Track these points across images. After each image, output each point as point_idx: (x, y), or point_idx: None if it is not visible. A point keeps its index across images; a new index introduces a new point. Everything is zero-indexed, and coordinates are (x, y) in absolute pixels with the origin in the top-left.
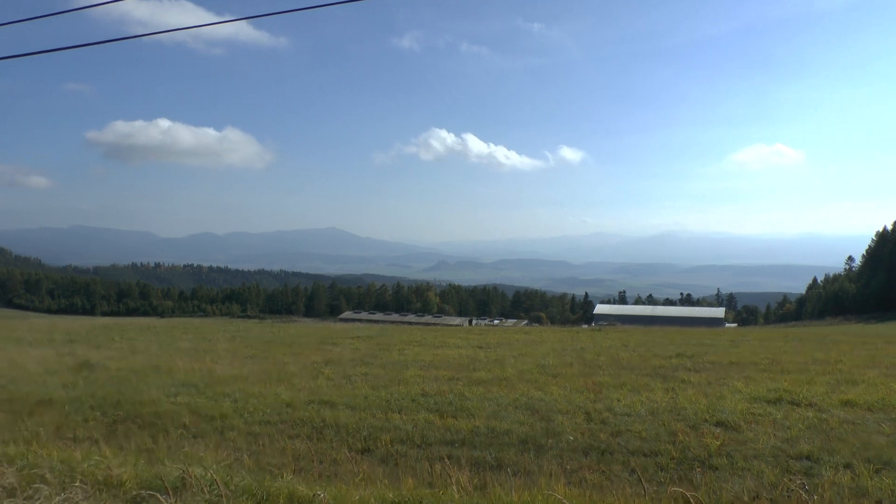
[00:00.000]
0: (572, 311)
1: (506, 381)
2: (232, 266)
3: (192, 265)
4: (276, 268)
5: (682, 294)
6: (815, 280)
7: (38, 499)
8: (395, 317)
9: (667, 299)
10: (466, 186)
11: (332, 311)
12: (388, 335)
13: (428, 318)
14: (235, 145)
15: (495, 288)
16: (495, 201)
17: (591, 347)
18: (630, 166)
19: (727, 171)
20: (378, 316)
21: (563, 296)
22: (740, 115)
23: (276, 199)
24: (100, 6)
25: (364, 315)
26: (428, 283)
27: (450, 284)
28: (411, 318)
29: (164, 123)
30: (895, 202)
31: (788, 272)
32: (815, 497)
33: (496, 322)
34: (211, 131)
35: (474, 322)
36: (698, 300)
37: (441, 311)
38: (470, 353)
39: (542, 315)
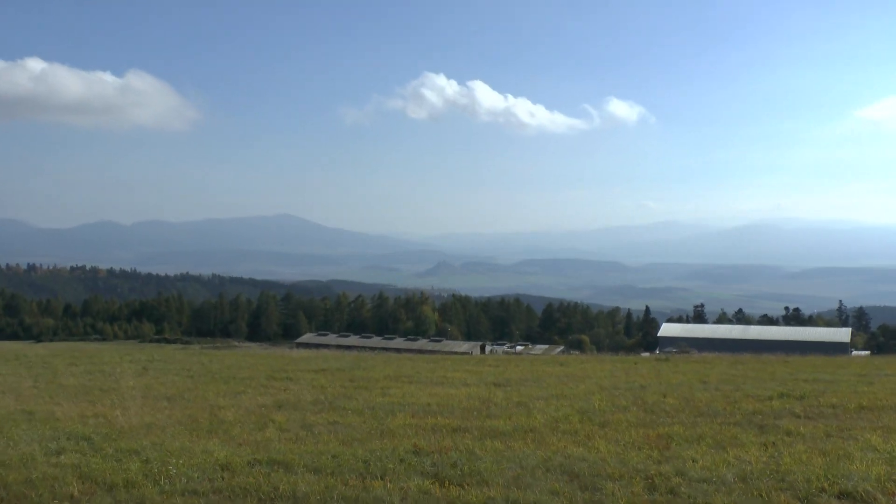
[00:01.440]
0: (627, 332)
1: (533, 433)
2: (142, 269)
3: (83, 267)
4: (206, 271)
5: (787, 309)
6: None
7: None
8: (376, 341)
9: (765, 316)
10: (475, 156)
11: (288, 333)
12: (366, 367)
13: (423, 344)
14: (144, 97)
15: (517, 300)
16: (516, 177)
17: (655, 384)
18: (710, 128)
19: (852, 133)
20: (352, 340)
21: (615, 311)
22: (873, 52)
23: (204, 175)
24: None
25: (332, 339)
26: (423, 293)
27: (454, 295)
28: (399, 342)
29: (36, 65)
30: None
31: None
32: None
33: (519, 348)
34: (107, 77)
35: (488, 349)
36: (811, 317)
37: (441, 334)
38: (482, 392)
39: (585, 339)
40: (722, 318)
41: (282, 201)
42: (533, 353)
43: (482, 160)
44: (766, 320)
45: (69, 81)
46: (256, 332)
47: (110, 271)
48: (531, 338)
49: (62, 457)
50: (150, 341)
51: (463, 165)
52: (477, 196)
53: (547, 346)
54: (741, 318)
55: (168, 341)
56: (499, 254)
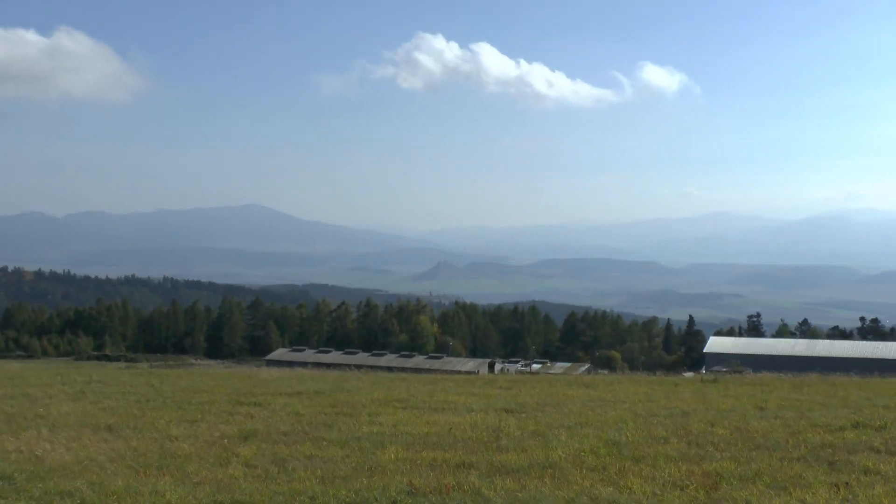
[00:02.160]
0: (667, 348)
1: (552, 470)
2: (78, 271)
3: (4, 268)
4: (156, 274)
5: (862, 319)
6: None
7: None
8: (362, 357)
9: (835, 328)
10: (482, 135)
11: (256, 349)
12: (350, 389)
13: (419, 361)
14: (76, 61)
15: (534, 308)
16: (532, 161)
17: (701, 411)
18: (768, 99)
19: None
20: (334, 356)
21: (651, 322)
22: None
23: (153, 158)
24: None
25: (309, 355)
26: (419, 299)
27: (456, 303)
28: (391, 359)
29: None
30: None
31: None
32: None
33: (535, 367)
34: (31, 36)
35: (498, 367)
36: (893, 330)
37: (442, 349)
38: (491, 420)
39: (615, 355)
40: (783, 331)
41: (248, 189)
42: (552, 372)
43: (490, 140)
44: (838, 333)
45: None
46: (217, 348)
47: (38, 273)
48: (550, 354)
49: None
50: (88, 359)
51: (467, 146)
52: (484, 183)
53: (569, 365)
54: (806, 330)
55: (110, 359)
56: (511, 253)
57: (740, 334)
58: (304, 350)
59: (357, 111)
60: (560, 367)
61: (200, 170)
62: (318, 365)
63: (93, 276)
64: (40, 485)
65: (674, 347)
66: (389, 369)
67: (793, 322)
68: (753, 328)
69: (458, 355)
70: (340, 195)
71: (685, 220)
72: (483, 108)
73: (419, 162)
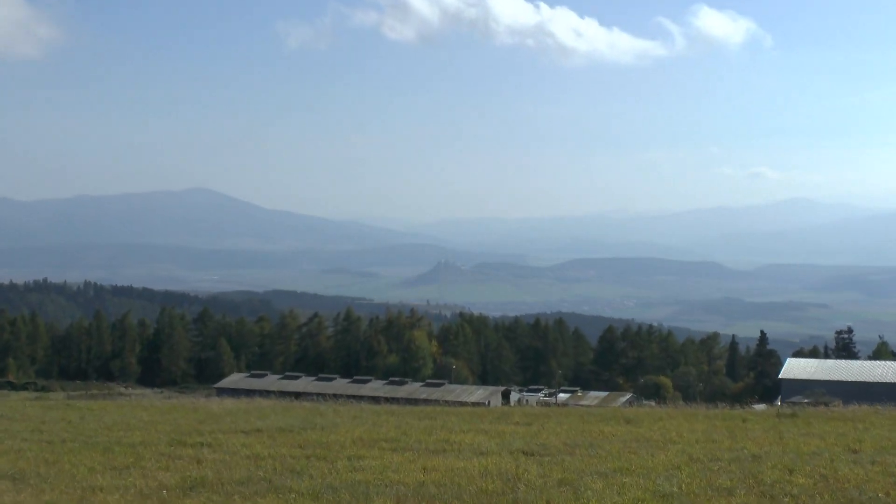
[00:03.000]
0: (732, 372)
1: None
2: None
3: None
4: (75, 278)
5: None
6: None
7: None
8: (340, 385)
9: None
10: (490, 100)
11: (204, 374)
12: (325, 425)
13: (413, 389)
14: None
15: (560, 322)
16: (557, 133)
17: (776, 453)
18: (862, 53)
19: None
20: (304, 383)
21: (711, 339)
22: None
23: (69, 128)
24: None
25: (272, 381)
26: (414, 310)
27: (461, 314)
28: (377, 387)
29: None
30: None
31: None
32: None
33: (562, 396)
34: None
35: (515, 396)
36: None
37: (442, 373)
38: (506, 464)
39: (665, 381)
40: (881, 352)
41: (193, 169)
42: (584, 403)
43: (502, 107)
44: None
45: None
46: (154, 373)
47: None
48: (582, 380)
49: None
50: None
51: (472, 115)
52: (495, 162)
53: (606, 394)
54: None
55: (14, 387)
56: (530, 250)
57: (826, 355)
58: (266, 375)
59: (331, 69)
60: (594, 396)
61: (132, 144)
62: (283, 394)
63: None
64: None
65: (740, 372)
66: (375, 400)
67: (894, 340)
68: (843, 347)
69: (464, 382)
70: (313, 178)
71: (754, 208)
72: (493, 65)
73: (412, 135)
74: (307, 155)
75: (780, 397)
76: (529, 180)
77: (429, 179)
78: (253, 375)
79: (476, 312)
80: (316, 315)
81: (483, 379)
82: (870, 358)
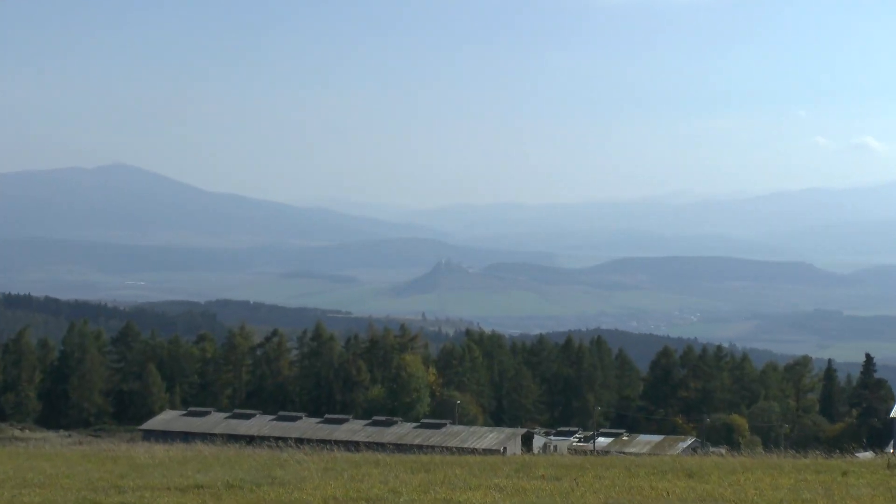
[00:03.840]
0: (828, 409)
1: None
2: None
3: None
4: None
5: None
6: None
7: None
8: (308, 426)
9: None
10: (507, 49)
11: (127, 411)
12: (286, 480)
13: (404, 432)
14: None
15: (599, 341)
16: (591, 94)
17: None
18: None
19: None
20: (259, 423)
21: (801, 365)
22: None
23: None
24: None
25: (219, 421)
26: (406, 327)
27: (468, 332)
28: (356, 429)
29: None
30: None
31: None
32: None
33: (602, 441)
34: None
35: (539, 441)
36: None
37: (443, 412)
38: None
39: (739, 422)
40: None
41: (110, 141)
42: (632, 450)
43: (522, 58)
44: None
45: None
46: (59, 410)
47: None
48: (628, 420)
49: None
50: None
51: (482, 69)
52: (511, 131)
53: (660, 439)
54: None
55: None
56: (561, 247)
57: None
58: (210, 413)
59: (294, 7)
60: (645, 442)
61: (28, 109)
62: (232, 438)
63: None
64: None
65: (839, 409)
66: (354, 446)
67: None
68: None
69: (472, 422)
70: (271, 151)
71: (856, 191)
72: (510, 4)
73: (400, 97)
74: (261, 121)
75: (892, 442)
76: (557, 156)
77: (424, 154)
78: (191, 413)
79: (488, 330)
80: (275, 333)
81: (497, 418)
82: None
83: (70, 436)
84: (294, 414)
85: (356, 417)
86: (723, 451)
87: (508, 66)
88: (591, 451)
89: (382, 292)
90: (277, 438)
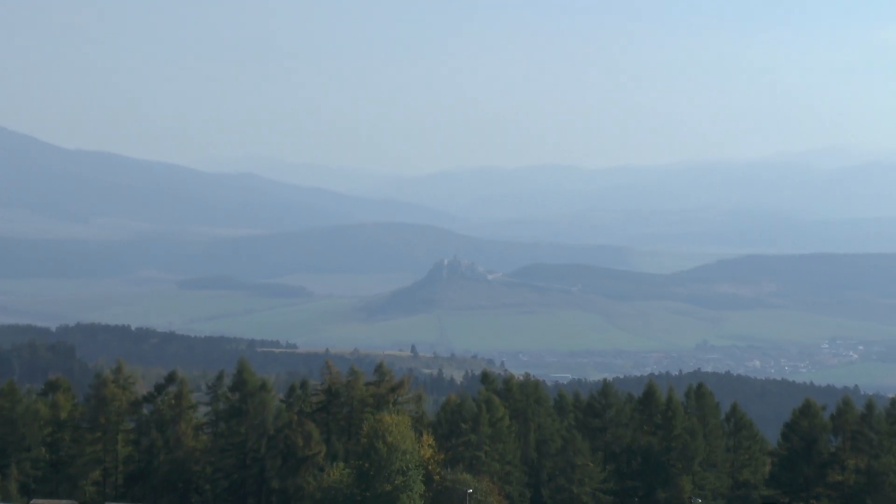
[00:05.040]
0: None
1: None
2: None
3: None
4: None
5: None
6: None
7: None
8: None
9: None
10: None
11: None
12: None
13: None
14: None
15: (701, 390)
16: None
17: None
18: None
19: None
20: None
21: None
22: None
23: None
24: None
25: None
26: (385, 367)
27: (485, 375)
28: None
29: None
30: None
31: None
32: None
33: None
34: None
35: None
36: None
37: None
38: None
39: None
40: None
41: None
42: None
43: None
44: None
45: None
46: None
47: None
48: None
49: None
50: None
51: None
52: (558, 53)
53: None
54: None
55: None
56: (637, 237)
57: None
58: None
59: None
60: None
61: None
62: None
63: None
64: None
65: None
66: None
67: None
68: None
69: None
70: (159, 89)
71: None
72: None
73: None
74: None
75: None
76: (631, 92)
77: (416, 84)
78: None
79: (518, 373)
80: (172, 379)
81: None
82: None
83: None
84: None
85: None
86: None
87: None
88: None
89: (347, 312)
90: None
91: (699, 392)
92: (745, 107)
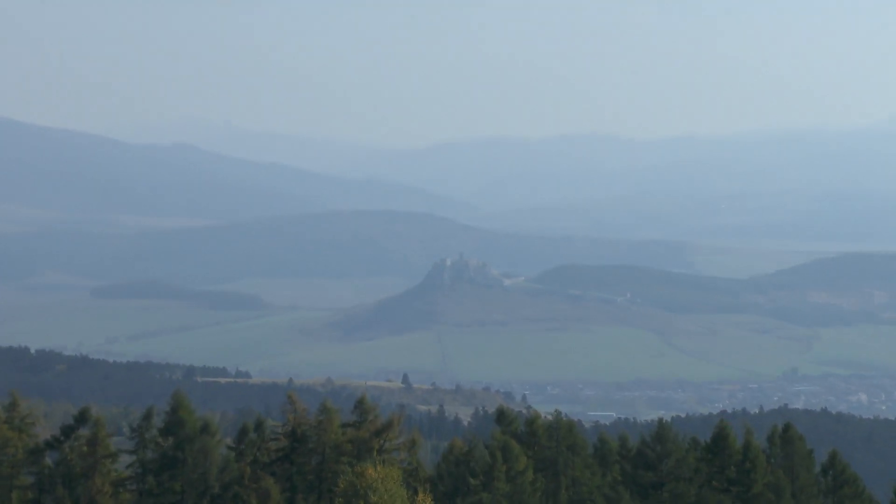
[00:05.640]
0: None
1: None
2: None
3: None
4: None
5: None
6: None
7: None
8: None
9: None
10: None
11: None
12: None
13: None
14: None
15: (786, 432)
16: None
17: None
18: None
19: None
20: None
21: None
22: None
23: None
24: None
25: None
26: (367, 402)
27: (502, 412)
28: None
29: None
30: None
31: None
32: None
33: None
34: None
35: None
36: None
37: None
38: None
39: None
40: None
41: None
42: None
43: None
44: None
45: None
46: None
47: None
48: None
49: None
50: None
51: None
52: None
53: None
54: None
55: None
56: (700, 229)
57: None
58: None
59: None
60: None
61: None
62: None
63: None
64: None
65: None
66: None
67: None
68: None
69: None
70: (70, 36)
71: None
72: None
73: None
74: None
75: None
76: (698, 35)
77: (403, 30)
78: None
79: (544, 410)
80: (84, 418)
81: None
82: None
83: None
84: None
85: None
86: None
87: None
88: None
89: (317, 329)
90: None
91: (786, 436)
92: (846, 60)
